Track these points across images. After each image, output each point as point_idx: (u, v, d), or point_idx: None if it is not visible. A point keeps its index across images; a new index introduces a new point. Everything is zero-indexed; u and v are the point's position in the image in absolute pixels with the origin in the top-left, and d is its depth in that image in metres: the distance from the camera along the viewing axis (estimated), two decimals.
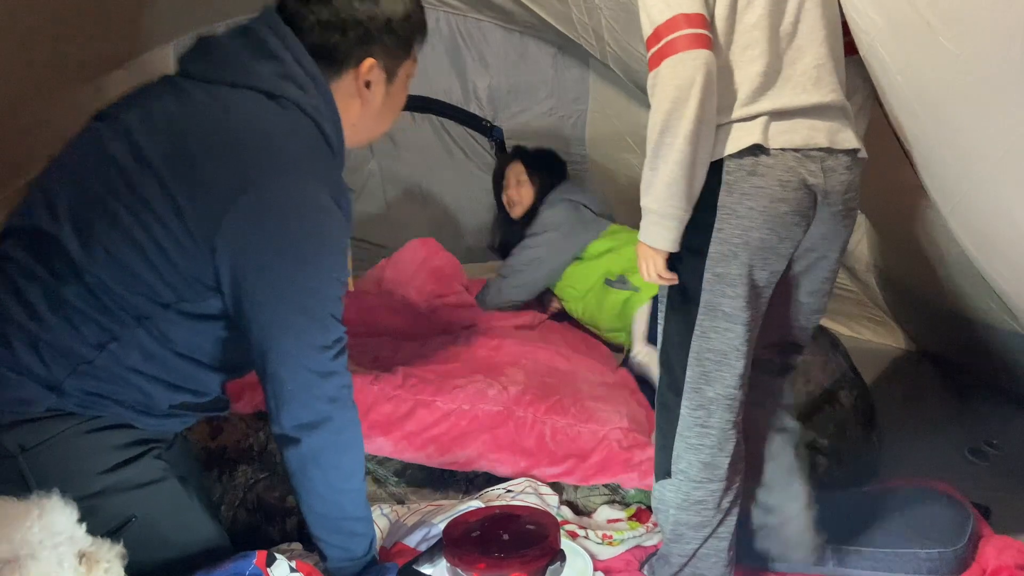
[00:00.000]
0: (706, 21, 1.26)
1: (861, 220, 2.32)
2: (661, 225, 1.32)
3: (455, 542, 1.43)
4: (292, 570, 1.21)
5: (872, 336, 3.02)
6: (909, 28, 1.20)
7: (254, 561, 1.19)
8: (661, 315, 1.45)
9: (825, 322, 2.95)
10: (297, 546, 1.52)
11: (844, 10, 1.31)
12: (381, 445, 1.77)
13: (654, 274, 1.37)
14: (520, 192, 2.70)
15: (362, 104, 1.26)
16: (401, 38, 1.25)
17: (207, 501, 1.35)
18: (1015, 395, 2.40)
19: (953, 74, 1.22)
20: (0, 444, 1.12)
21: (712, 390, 1.38)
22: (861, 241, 2.42)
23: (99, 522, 1.14)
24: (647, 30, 1.28)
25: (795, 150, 1.31)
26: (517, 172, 2.73)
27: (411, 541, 1.52)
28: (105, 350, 1.15)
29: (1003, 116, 1.22)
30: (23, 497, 1.02)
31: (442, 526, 1.51)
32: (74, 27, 2.09)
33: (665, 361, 1.44)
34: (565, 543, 1.49)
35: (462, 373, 1.97)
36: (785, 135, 1.30)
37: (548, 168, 2.74)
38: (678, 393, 1.41)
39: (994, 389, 2.50)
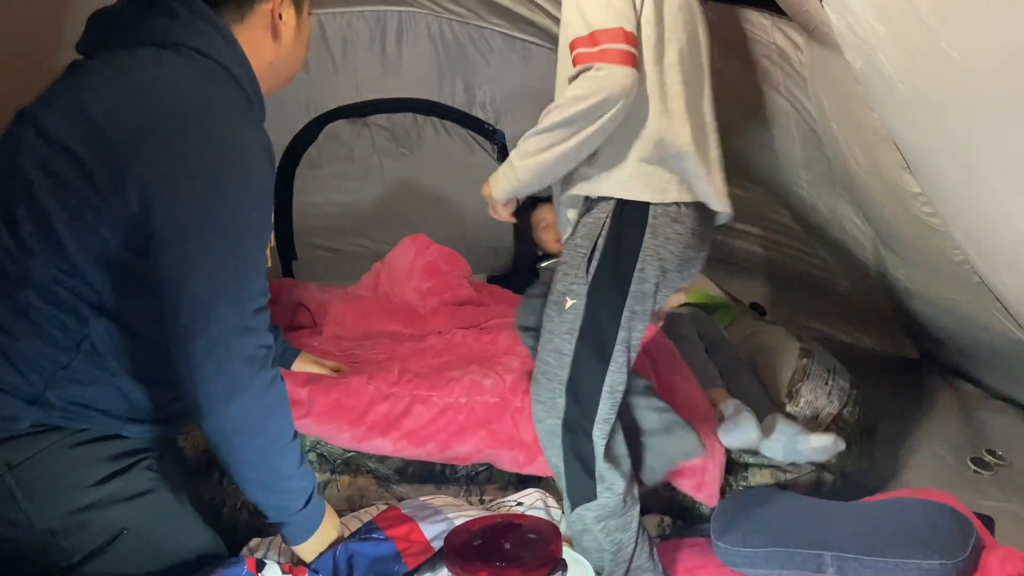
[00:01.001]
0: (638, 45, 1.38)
1: (864, 227, 2.32)
2: (510, 182, 1.48)
3: (456, 551, 1.42)
4: (283, 573, 1.21)
5: (875, 344, 3.02)
6: (911, 35, 1.19)
7: (245, 567, 1.18)
8: (561, 334, 1.50)
9: (824, 328, 2.98)
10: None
11: (842, 22, 1.31)
12: (380, 446, 1.77)
13: (502, 214, 1.59)
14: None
15: (275, 39, 1.24)
16: None
17: (201, 508, 1.32)
18: (1019, 404, 2.40)
19: (955, 81, 1.21)
20: None
21: (615, 414, 1.52)
22: (865, 247, 2.42)
23: (90, 536, 1.14)
24: (580, 29, 1.34)
25: (704, 203, 1.49)
26: (547, 216, 2.71)
27: (428, 532, 1.50)
28: (80, 351, 1.12)
29: (1005, 124, 1.21)
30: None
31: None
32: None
33: (572, 390, 1.50)
34: (567, 552, 1.49)
35: (457, 365, 1.97)
36: (702, 187, 1.46)
37: None
38: (591, 422, 1.49)
39: (997, 398, 2.50)
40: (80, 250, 1.10)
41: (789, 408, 1.99)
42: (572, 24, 1.36)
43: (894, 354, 2.96)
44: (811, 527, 1.64)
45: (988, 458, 2.11)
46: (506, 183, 1.49)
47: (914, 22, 1.14)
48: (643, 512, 1.71)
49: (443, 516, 1.55)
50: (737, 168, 2.64)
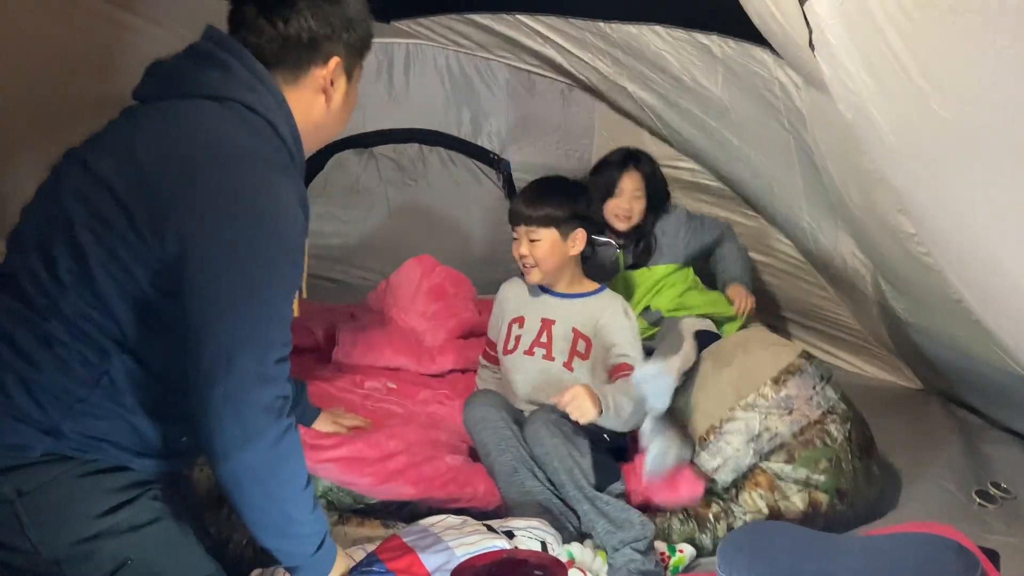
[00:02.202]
0: None
1: (864, 259, 2.33)
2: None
3: None
4: None
5: (877, 372, 3.02)
6: (900, 92, 1.22)
7: None
8: None
9: (826, 357, 2.98)
10: None
11: (834, 74, 1.33)
12: (401, 490, 1.80)
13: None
14: (634, 205, 2.50)
15: (326, 102, 1.29)
16: (360, 38, 1.30)
17: (206, 538, 1.34)
18: (1022, 436, 2.39)
19: (944, 137, 1.24)
20: None
21: None
22: (866, 278, 2.43)
23: (94, 566, 1.15)
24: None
25: None
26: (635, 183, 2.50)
27: (429, 563, 1.50)
28: (98, 386, 1.15)
29: (996, 177, 1.24)
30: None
31: (462, 558, 1.50)
32: (101, 63, 2.13)
33: None
34: None
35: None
36: None
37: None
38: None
39: (1002, 430, 2.49)
40: (111, 287, 1.13)
41: (769, 391, 1.98)
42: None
43: (896, 384, 2.95)
44: (817, 561, 1.63)
45: (993, 491, 2.10)
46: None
47: (904, 81, 1.17)
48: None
49: (444, 545, 1.55)
50: (740, 196, 2.68)
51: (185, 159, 1.13)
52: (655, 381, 1.85)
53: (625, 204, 2.49)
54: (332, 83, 1.28)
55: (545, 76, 2.95)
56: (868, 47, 1.20)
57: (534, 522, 1.72)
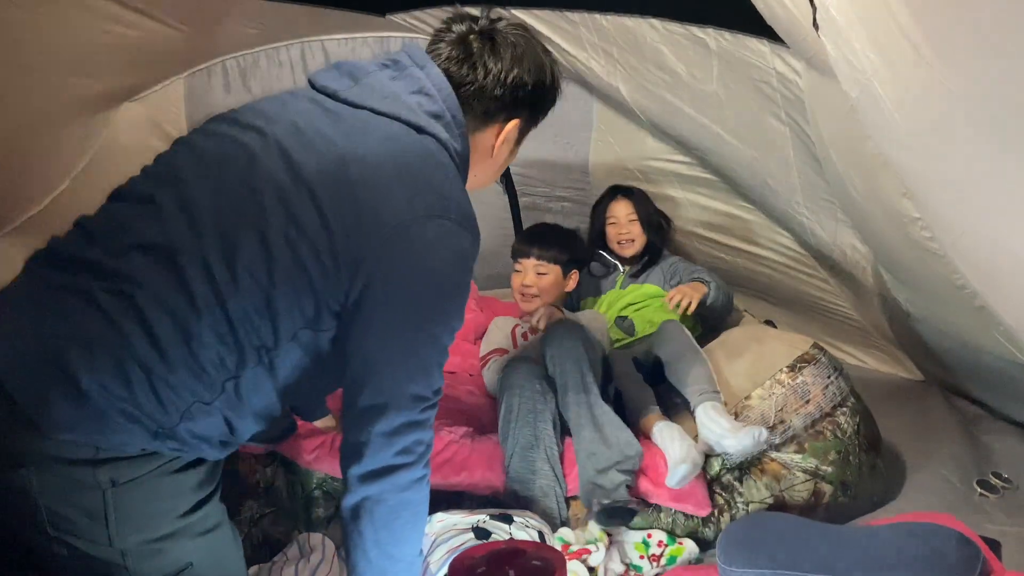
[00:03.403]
0: None
1: (865, 250, 2.32)
2: None
3: None
4: None
5: (878, 365, 3.01)
6: (906, 66, 1.20)
7: None
8: None
9: (830, 349, 2.97)
10: None
11: (839, 53, 1.32)
12: None
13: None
14: (632, 229, 2.69)
15: (491, 157, 1.30)
16: (544, 106, 1.31)
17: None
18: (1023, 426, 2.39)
19: (950, 110, 1.22)
20: (93, 476, 1.07)
21: None
22: (866, 270, 2.42)
23: (159, 565, 1.13)
24: None
25: None
26: (625, 208, 2.73)
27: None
28: (224, 391, 1.10)
29: (1001, 149, 1.23)
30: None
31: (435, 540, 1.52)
32: (93, 61, 2.12)
33: None
34: None
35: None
36: None
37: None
38: None
39: (1003, 420, 2.49)
40: (287, 299, 1.10)
41: (785, 377, 1.99)
42: None
43: (897, 376, 2.95)
44: (818, 551, 1.62)
45: (994, 481, 2.09)
46: None
47: (911, 57, 1.16)
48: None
49: (439, 543, 1.56)
50: (737, 191, 2.67)
51: (395, 200, 1.11)
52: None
53: (623, 229, 2.71)
54: (503, 141, 1.28)
55: None
56: (874, 23, 1.19)
57: (529, 513, 1.72)
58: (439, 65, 1.21)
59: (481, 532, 1.61)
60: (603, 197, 2.83)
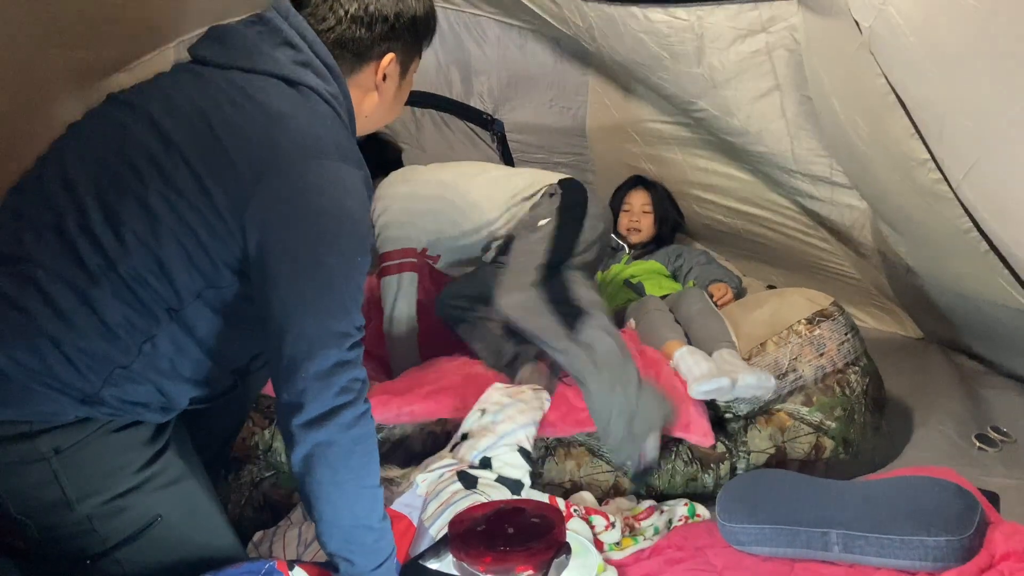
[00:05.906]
0: None
1: (863, 206, 2.31)
2: None
3: (460, 537, 1.43)
4: None
5: (877, 324, 3.02)
6: None
7: (275, 567, 1.19)
8: None
9: None
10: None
11: None
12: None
13: None
14: (643, 220, 2.92)
15: (377, 96, 1.30)
16: (419, 35, 1.30)
17: (217, 495, 1.34)
18: (1023, 379, 2.39)
19: (971, 29, 1.20)
20: (35, 449, 1.11)
21: None
22: (864, 227, 2.41)
23: (126, 521, 1.15)
24: None
25: None
26: (642, 199, 2.96)
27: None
28: (140, 353, 1.13)
29: (1020, 70, 1.20)
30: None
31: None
32: (76, 31, 2.10)
33: None
34: (571, 536, 1.49)
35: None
36: None
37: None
38: None
39: (1002, 375, 2.49)
40: (179, 257, 1.12)
41: (803, 328, 2.03)
42: None
43: (897, 335, 2.95)
44: (817, 505, 1.63)
45: (993, 435, 2.10)
46: None
47: None
48: (661, 499, 1.81)
49: (429, 500, 1.57)
50: (734, 154, 2.65)
51: (266, 146, 1.12)
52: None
53: (635, 217, 2.93)
54: (384, 78, 1.28)
55: (536, 32, 2.90)
56: None
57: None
58: (303, 13, 1.21)
59: (467, 478, 1.63)
60: (625, 183, 3.03)
